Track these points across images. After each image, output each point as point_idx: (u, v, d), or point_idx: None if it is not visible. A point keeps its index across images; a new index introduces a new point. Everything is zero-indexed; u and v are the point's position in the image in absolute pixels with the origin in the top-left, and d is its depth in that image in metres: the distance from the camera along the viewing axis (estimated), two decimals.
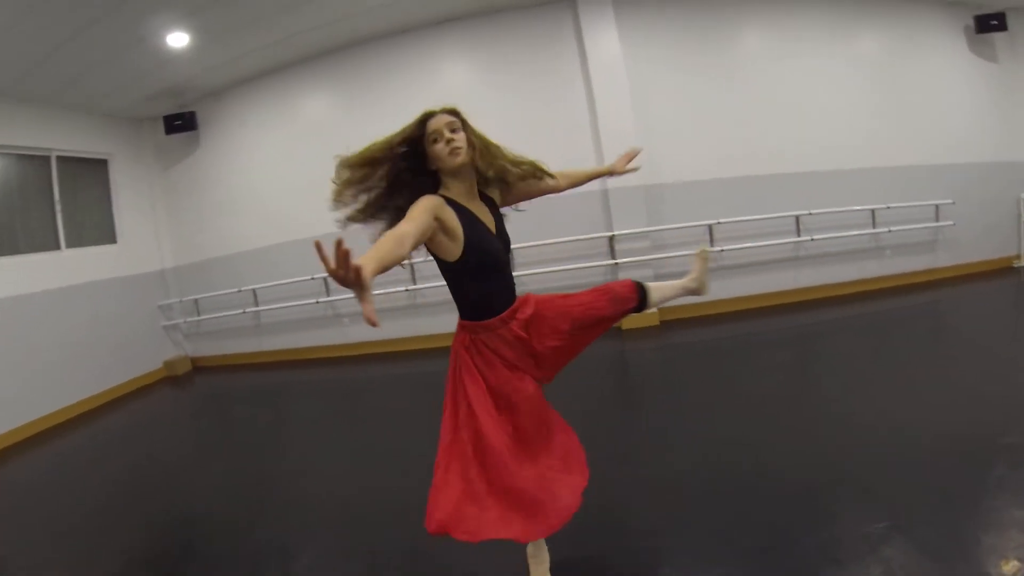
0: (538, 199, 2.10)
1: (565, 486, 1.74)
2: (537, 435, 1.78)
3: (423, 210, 1.51)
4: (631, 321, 5.52)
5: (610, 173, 2.22)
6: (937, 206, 6.27)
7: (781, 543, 2.15)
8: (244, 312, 6.02)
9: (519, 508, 1.64)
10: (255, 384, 5.80)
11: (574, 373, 3.26)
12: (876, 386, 3.83)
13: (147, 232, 6.24)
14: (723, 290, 5.72)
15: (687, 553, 2.17)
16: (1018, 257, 6.80)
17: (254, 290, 5.99)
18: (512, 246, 4.86)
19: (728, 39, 5.79)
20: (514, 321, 1.75)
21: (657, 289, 1.96)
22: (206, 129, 6.08)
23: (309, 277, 5.74)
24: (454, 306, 1.90)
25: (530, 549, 1.95)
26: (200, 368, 6.44)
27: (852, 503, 2.38)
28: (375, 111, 5.65)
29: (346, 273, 1.13)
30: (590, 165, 5.26)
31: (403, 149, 1.71)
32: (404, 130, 1.71)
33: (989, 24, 6.58)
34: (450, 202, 1.65)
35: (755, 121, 5.80)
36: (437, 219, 1.56)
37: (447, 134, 1.68)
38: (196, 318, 6.26)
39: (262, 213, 6.00)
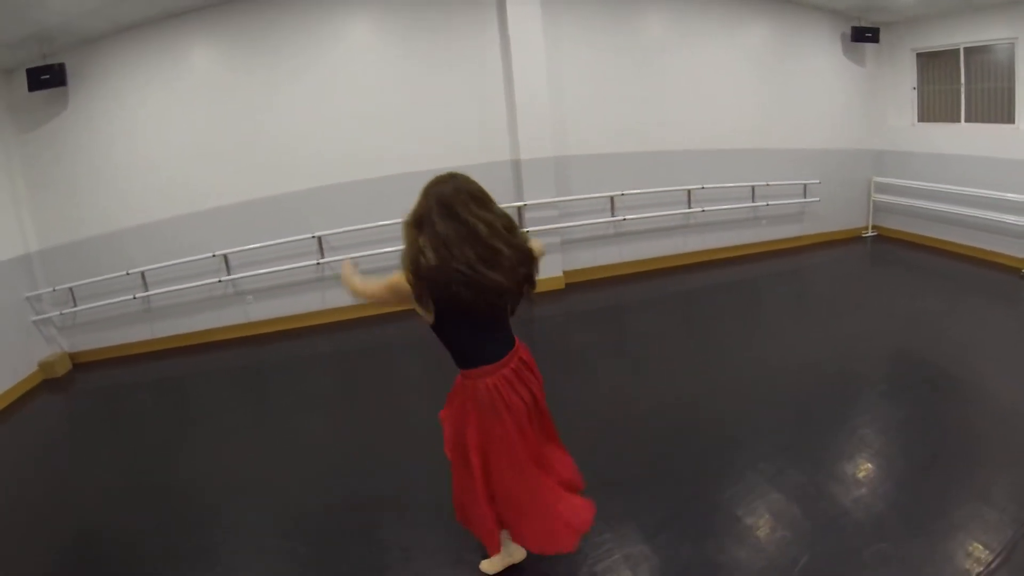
0: None
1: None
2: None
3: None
4: (540, 284, 6.27)
5: None
6: (806, 185, 7.69)
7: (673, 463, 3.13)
8: (135, 297, 5.82)
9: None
10: (150, 376, 5.65)
11: None
12: (755, 332, 5.11)
13: (5, 210, 5.73)
14: (623, 254, 6.79)
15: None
16: (866, 228, 8.65)
17: (143, 273, 5.81)
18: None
19: (637, 22, 6.73)
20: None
21: None
22: (78, 84, 5.65)
23: (209, 254, 5.78)
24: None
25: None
26: (82, 365, 6.05)
27: (740, 427, 3.42)
28: (278, 71, 5.78)
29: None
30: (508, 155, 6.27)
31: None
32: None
33: (864, 35, 8.22)
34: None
35: (657, 101, 6.83)
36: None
37: None
38: (73, 308, 5.87)
39: (150, 183, 5.83)
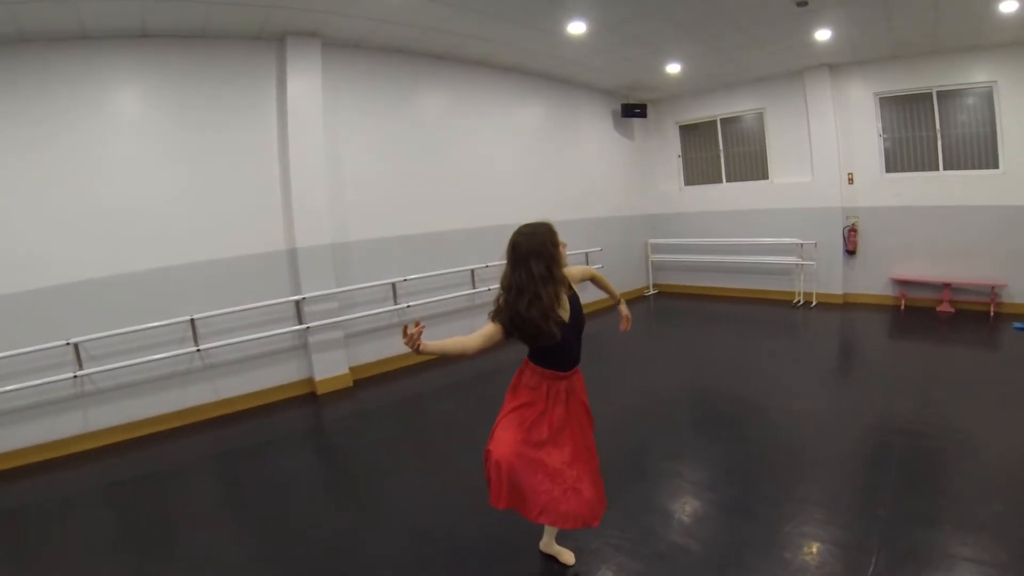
0: None
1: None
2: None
3: (486, 334, 2.82)
4: (326, 384, 6.86)
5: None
6: (587, 253, 9.03)
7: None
8: None
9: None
10: None
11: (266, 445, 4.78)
12: None
13: None
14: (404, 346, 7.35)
15: None
16: (648, 287, 10.41)
17: None
18: (196, 316, 5.32)
19: (416, 102, 7.73)
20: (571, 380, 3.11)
21: None
22: None
23: None
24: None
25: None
26: None
27: None
28: (21, 139, 5.36)
29: (412, 346, 2.58)
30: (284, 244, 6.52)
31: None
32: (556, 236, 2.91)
33: (633, 111, 10.10)
34: None
35: (438, 181, 7.85)
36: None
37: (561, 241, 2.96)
38: None
39: None
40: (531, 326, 2.78)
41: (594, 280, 3.48)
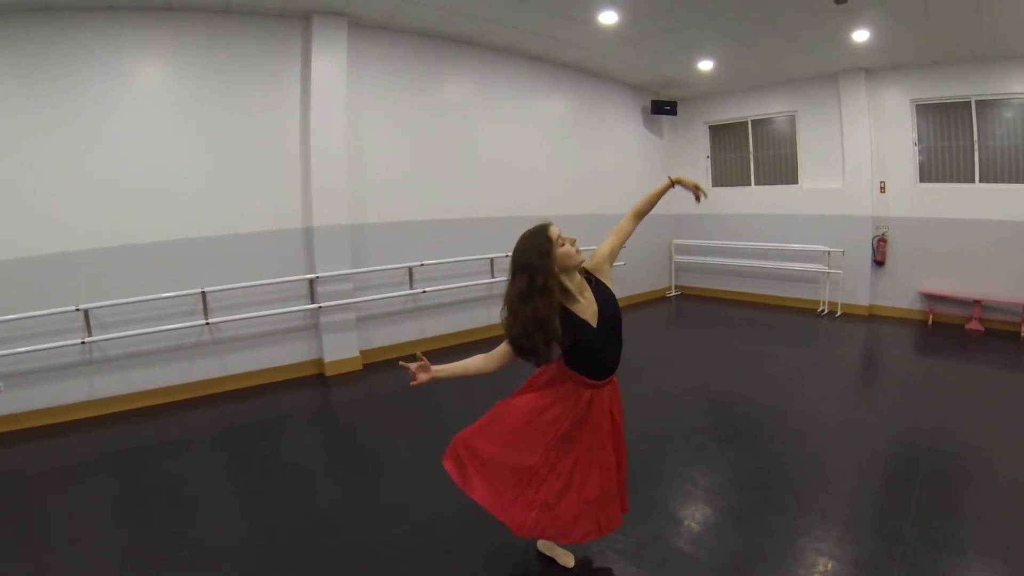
0: None
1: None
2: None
3: (500, 354, 2.72)
4: (335, 366, 6.79)
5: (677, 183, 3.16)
6: None
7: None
8: None
9: None
10: None
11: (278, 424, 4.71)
12: None
13: None
14: (424, 330, 7.51)
15: None
16: (670, 288, 10.22)
17: None
18: (208, 289, 5.40)
19: (441, 88, 7.65)
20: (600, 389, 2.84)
21: None
22: None
23: None
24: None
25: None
26: None
27: None
28: (50, 108, 5.40)
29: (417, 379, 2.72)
30: (301, 223, 6.39)
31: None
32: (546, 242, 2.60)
33: (663, 108, 9.94)
34: (563, 309, 2.65)
35: (460, 168, 7.75)
36: None
37: (566, 238, 2.66)
38: None
39: None
40: (516, 346, 2.62)
41: (641, 213, 3.05)
